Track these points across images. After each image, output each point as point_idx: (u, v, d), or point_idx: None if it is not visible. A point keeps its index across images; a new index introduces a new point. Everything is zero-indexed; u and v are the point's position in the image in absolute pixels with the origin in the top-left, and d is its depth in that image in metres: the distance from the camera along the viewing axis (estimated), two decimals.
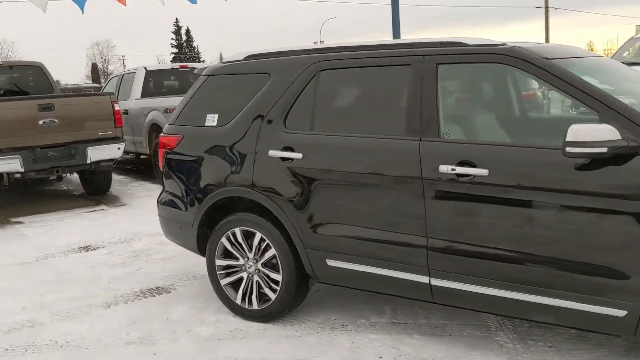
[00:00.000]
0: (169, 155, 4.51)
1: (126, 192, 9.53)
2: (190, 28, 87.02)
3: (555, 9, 55.17)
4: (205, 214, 4.26)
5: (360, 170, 3.60)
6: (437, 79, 3.44)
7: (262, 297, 4.13)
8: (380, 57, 3.67)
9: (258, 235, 4.04)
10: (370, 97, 3.78)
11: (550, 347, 3.59)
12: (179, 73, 11.03)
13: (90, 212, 8.15)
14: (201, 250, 4.42)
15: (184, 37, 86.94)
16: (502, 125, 3.50)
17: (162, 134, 4.61)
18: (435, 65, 3.46)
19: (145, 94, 10.60)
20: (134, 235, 6.72)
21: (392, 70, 3.63)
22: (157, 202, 4.78)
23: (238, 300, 4.21)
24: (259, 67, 4.18)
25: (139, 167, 12.03)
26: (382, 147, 3.54)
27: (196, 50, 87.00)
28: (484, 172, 3.17)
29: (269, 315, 4.11)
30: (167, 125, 4.64)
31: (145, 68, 10.81)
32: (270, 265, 4.08)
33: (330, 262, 3.78)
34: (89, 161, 8.11)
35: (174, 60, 79.16)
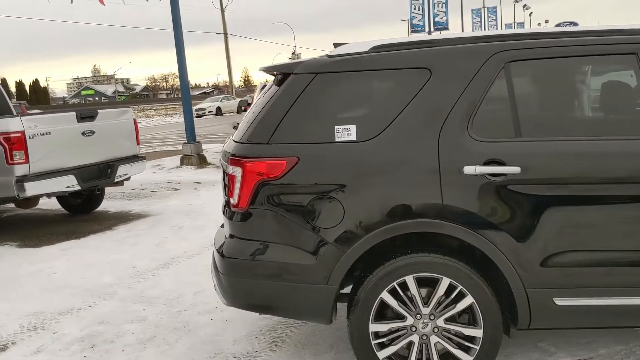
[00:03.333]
0: (270, 187, 3.11)
1: None
2: None
3: (234, 35, 58.48)
4: (354, 263, 3.05)
5: (614, 180, 2.95)
6: None
7: None
8: (594, 44, 3.07)
9: (445, 282, 3.03)
10: (591, 92, 3.15)
11: None
12: None
13: None
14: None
15: None
16: None
17: (246, 158, 3.14)
18: None
19: None
20: (33, 317, 4.56)
21: (612, 59, 3.09)
22: (223, 255, 3.28)
23: None
24: (409, 60, 3.14)
25: None
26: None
27: None
28: None
29: None
30: (245, 145, 3.19)
31: None
32: (451, 318, 3.10)
33: (560, 301, 3.01)
34: None
35: None
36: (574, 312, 3.04)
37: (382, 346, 3.12)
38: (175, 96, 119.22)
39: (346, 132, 3.09)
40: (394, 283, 3.04)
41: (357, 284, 3.16)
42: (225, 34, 55.33)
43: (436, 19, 32.01)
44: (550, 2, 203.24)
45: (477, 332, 3.06)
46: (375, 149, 3.04)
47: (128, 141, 7.89)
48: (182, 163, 13.12)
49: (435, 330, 3.10)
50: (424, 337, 3.10)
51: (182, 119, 14.76)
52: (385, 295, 3.06)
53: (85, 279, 5.43)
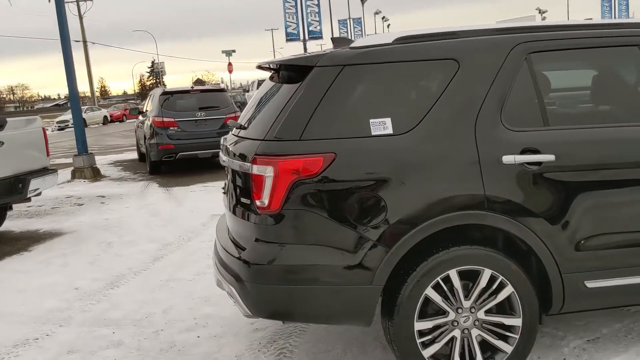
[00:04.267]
0: (306, 186, 2.91)
1: None
2: None
3: (94, 43, 55.65)
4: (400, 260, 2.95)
5: None
6: None
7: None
8: (607, 37, 3.22)
9: (486, 273, 3.02)
10: (616, 81, 3.29)
11: None
12: None
13: None
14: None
15: None
16: None
17: (278, 156, 2.92)
18: None
19: None
20: None
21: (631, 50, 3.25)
22: (248, 262, 3.03)
23: None
24: (436, 51, 3.11)
25: None
26: None
27: None
28: None
29: None
30: (275, 143, 2.96)
31: None
32: (490, 310, 3.10)
33: (591, 284, 3.11)
34: None
35: None
36: (601, 293, 3.15)
37: (424, 345, 3.05)
38: (26, 109, 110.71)
39: (382, 126, 2.98)
40: (438, 278, 2.98)
41: (394, 283, 3.05)
42: (85, 41, 52.39)
43: (310, 28, 32.55)
44: (405, 15, 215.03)
45: (517, 321, 3.08)
46: (414, 142, 2.97)
47: (38, 152, 7.16)
48: (73, 176, 12.17)
49: (476, 323, 3.07)
50: (465, 331, 3.07)
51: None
52: (430, 292, 2.99)
53: (26, 306, 4.82)
